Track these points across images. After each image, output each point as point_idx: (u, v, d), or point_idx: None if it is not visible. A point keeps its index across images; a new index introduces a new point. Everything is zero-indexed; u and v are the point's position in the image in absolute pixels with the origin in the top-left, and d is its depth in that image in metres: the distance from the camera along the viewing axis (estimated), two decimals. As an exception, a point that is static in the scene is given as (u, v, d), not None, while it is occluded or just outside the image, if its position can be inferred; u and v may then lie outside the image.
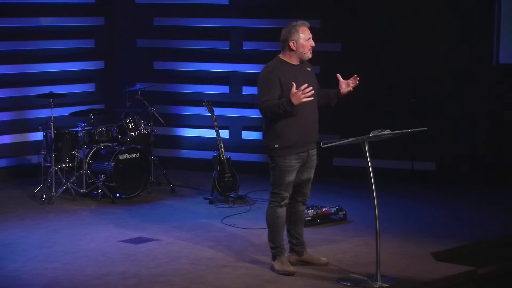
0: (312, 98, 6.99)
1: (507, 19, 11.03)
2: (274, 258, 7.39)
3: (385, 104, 11.47)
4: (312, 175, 7.40)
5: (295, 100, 6.92)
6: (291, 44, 7.15)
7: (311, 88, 6.93)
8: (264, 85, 7.14)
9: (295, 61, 7.21)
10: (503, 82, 11.18)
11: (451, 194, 10.69)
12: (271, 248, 7.38)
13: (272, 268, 7.39)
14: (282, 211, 7.32)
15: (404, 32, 11.42)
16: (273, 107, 7.02)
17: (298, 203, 7.45)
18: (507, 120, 11.16)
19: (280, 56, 7.26)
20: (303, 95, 6.90)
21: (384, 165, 11.22)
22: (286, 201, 7.31)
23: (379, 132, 7.04)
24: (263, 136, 7.34)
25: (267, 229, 7.43)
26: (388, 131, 7.07)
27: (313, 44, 7.20)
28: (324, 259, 7.57)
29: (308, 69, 7.33)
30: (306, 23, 7.20)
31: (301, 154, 7.20)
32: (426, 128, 7.27)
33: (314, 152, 7.33)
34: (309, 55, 7.20)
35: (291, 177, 7.21)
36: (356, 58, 11.59)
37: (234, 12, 12.10)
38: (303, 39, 7.13)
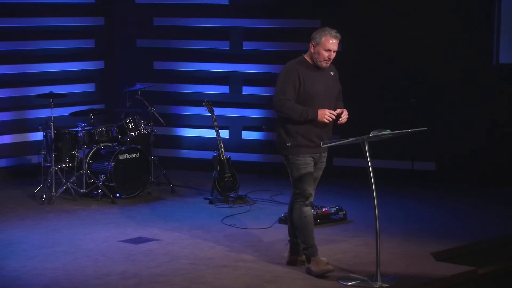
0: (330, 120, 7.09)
1: (507, 19, 11.03)
2: (309, 260, 7.27)
3: (385, 104, 11.47)
4: (319, 176, 7.35)
5: (320, 116, 7.02)
6: (311, 45, 7.14)
7: (337, 114, 7.09)
8: (284, 83, 7.11)
9: (314, 63, 7.18)
10: (503, 82, 11.18)
11: (451, 194, 10.69)
12: (304, 249, 7.27)
13: (309, 272, 7.24)
14: (309, 210, 7.23)
15: (404, 32, 11.42)
16: (295, 111, 7.03)
17: None
18: (507, 120, 11.17)
19: (305, 55, 7.24)
20: (328, 116, 7.01)
21: (384, 165, 11.22)
22: (311, 199, 7.22)
23: (379, 132, 7.04)
24: (277, 135, 7.28)
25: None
26: (388, 131, 7.07)
27: (332, 57, 7.14)
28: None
29: (332, 73, 7.30)
30: (337, 35, 7.16)
31: (314, 154, 7.18)
32: (426, 128, 7.27)
33: (325, 154, 7.31)
34: (323, 64, 7.14)
35: (310, 173, 7.15)
36: (356, 58, 11.59)
37: (234, 12, 12.10)
38: (322, 47, 7.09)
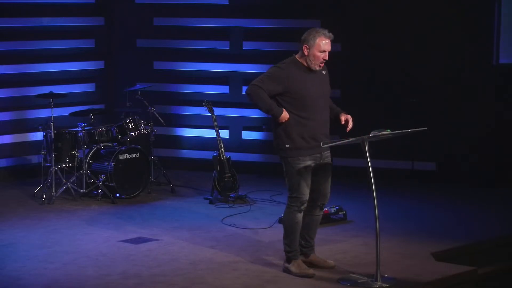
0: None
1: (507, 19, 11.04)
2: (289, 261, 7.27)
3: (385, 104, 11.46)
4: (329, 176, 7.27)
5: (282, 118, 6.98)
6: (304, 48, 7.03)
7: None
8: (268, 76, 7.03)
9: (307, 65, 7.09)
10: (503, 82, 11.18)
11: (451, 194, 10.69)
12: (287, 251, 7.26)
13: (287, 271, 7.26)
14: (301, 216, 7.18)
15: (404, 32, 11.42)
16: (263, 101, 6.97)
17: (316, 207, 7.31)
18: (507, 120, 11.16)
19: (296, 56, 7.13)
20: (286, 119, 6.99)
21: (384, 165, 11.22)
22: (306, 205, 7.15)
23: (379, 132, 7.04)
24: (274, 136, 7.20)
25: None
26: (388, 131, 7.07)
27: (327, 58, 7.05)
28: (331, 262, 7.46)
29: (323, 72, 7.20)
30: (330, 35, 7.04)
31: (313, 155, 7.11)
32: (426, 128, 7.27)
33: (327, 153, 7.22)
34: (316, 67, 7.05)
35: (307, 178, 7.08)
36: (356, 58, 11.59)
37: (234, 12, 12.10)
38: (317, 49, 6.99)
